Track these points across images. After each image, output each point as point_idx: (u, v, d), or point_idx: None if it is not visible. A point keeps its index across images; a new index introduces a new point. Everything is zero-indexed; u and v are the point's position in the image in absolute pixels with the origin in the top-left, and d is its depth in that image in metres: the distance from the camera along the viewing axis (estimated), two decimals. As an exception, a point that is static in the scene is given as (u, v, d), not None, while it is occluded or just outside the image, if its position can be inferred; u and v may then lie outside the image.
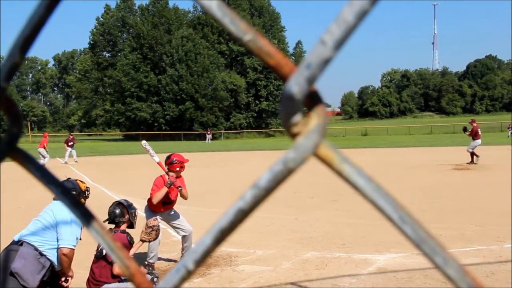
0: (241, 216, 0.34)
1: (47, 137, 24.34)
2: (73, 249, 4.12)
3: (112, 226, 5.10)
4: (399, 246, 6.88)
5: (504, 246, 7.01)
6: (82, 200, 4.59)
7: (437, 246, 0.31)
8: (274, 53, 0.33)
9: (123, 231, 4.99)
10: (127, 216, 5.04)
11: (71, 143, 25.09)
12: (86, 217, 0.39)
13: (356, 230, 8.19)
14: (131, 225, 5.14)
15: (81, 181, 4.70)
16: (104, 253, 4.71)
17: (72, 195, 0.40)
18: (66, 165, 23.72)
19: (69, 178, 4.70)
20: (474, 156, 18.91)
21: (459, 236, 7.73)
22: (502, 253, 6.69)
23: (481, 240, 7.39)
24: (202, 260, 0.35)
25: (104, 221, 5.14)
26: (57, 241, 4.10)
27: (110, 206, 5.11)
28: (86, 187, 4.68)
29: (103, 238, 0.40)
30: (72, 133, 27.98)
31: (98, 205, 9.50)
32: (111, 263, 4.69)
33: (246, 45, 0.33)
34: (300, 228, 8.67)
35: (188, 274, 0.36)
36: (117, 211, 5.02)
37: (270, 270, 6.27)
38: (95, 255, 4.83)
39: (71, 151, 24.93)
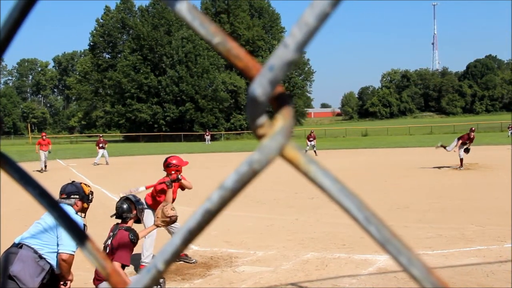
0: (208, 217, 0.34)
1: (43, 137, 24.01)
2: (73, 255, 4.08)
3: (119, 220, 5.01)
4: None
5: (504, 246, 7.01)
6: (85, 204, 4.49)
7: (401, 246, 0.31)
8: (242, 55, 0.34)
9: (127, 228, 4.86)
10: (134, 212, 4.96)
11: (101, 144, 25.22)
12: (63, 219, 0.39)
13: (356, 231, 8.18)
14: (138, 221, 5.09)
15: (85, 185, 4.60)
16: (107, 250, 4.71)
17: (50, 197, 0.40)
18: (96, 166, 23.79)
19: (73, 181, 4.59)
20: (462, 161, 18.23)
21: (459, 236, 7.73)
22: (502, 253, 6.69)
23: (481, 240, 7.39)
24: (172, 260, 0.35)
25: (112, 216, 5.08)
26: (57, 245, 4.08)
27: (118, 201, 5.04)
28: (90, 191, 4.58)
29: (80, 239, 0.40)
30: (101, 135, 27.85)
31: (98, 206, 9.52)
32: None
33: (215, 47, 0.34)
34: (301, 228, 8.67)
35: (159, 274, 0.36)
36: (125, 206, 4.94)
37: (270, 271, 6.27)
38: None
39: (103, 153, 25.05)
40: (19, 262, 3.91)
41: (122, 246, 4.68)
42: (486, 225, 8.41)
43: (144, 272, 0.36)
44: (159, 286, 5.08)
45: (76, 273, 4.47)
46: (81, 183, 4.61)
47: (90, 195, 4.55)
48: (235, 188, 0.33)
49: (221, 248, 7.36)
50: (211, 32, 0.34)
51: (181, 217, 7.14)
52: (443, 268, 5.99)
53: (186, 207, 9.82)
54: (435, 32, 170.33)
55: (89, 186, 4.62)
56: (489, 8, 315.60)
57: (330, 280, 5.87)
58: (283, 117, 0.33)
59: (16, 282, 3.83)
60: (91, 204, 4.66)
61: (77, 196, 4.39)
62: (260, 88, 0.32)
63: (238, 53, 0.34)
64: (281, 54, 0.32)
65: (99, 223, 7.62)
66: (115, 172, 20.68)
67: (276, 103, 0.33)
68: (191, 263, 6.61)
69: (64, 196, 4.38)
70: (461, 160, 17.98)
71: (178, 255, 0.35)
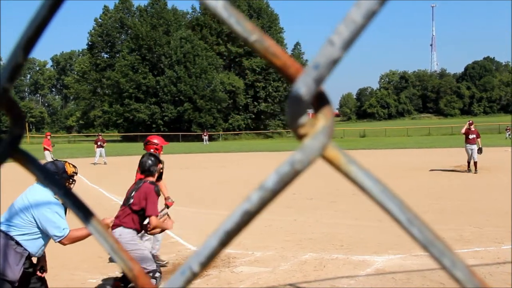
0: (247, 218, 0.33)
1: (48, 136, 24.02)
2: (67, 234, 3.89)
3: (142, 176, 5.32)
4: (398, 248, 6.89)
5: (502, 248, 7.01)
6: (68, 184, 4.27)
7: (445, 248, 0.31)
8: (280, 54, 0.33)
9: (152, 182, 5.14)
10: (160, 166, 5.33)
11: (100, 143, 25.14)
12: (88, 218, 0.39)
13: (355, 232, 8.19)
14: (160, 177, 5.49)
15: (70, 164, 4.37)
16: (130, 202, 5.00)
17: (75, 196, 0.40)
18: (95, 165, 23.77)
19: (55, 160, 4.43)
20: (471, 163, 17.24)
21: (457, 237, 7.73)
22: (500, 254, 6.70)
23: (479, 242, 7.40)
24: (208, 262, 0.35)
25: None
26: (45, 236, 3.88)
27: (143, 157, 5.36)
28: (74, 171, 4.35)
29: (105, 239, 0.39)
30: (100, 134, 27.69)
31: (96, 207, 9.50)
32: (135, 212, 4.96)
33: (252, 45, 0.33)
34: (299, 229, 8.66)
35: (193, 276, 0.35)
36: (150, 161, 5.26)
37: (268, 271, 6.26)
38: (123, 203, 5.13)
39: (100, 152, 24.95)
40: None
41: (150, 198, 4.97)
42: (484, 226, 8.42)
43: (178, 274, 0.35)
44: (154, 280, 5.11)
45: (75, 273, 4.47)
46: (65, 162, 4.39)
47: (73, 174, 4.34)
48: (275, 189, 0.32)
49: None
50: (248, 29, 0.33)
51: (178, 217, 7.15)
52: (441, 270, 5.99)
53: (183, 208, 9.82)
54: (434, 34, 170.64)
55: (74, 167, 4.39)
56: (487, 10, 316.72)
57: (328, 281, 5.87)
58: (325, 116, 0.33)
59: None
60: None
61: (56, 177, 4.18)
62: (304, 86, 0.31)
63: (275, 51, 0.33)
64: (327, 52, 0.31)
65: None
66: (113, 172, 20.65)
67: (316, 102, 0.33)
68: (163, 265, 6.53)
69: None
70: (469, 163, 17.13)
71: (214, 257, 0.35)
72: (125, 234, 4.93)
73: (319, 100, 0.32)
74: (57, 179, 0.42)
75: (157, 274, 5.11)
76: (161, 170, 5.57)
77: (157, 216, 5.02)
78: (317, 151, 0.32)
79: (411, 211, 0.32)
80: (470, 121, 17.83)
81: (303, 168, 0.32)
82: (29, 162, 0.41)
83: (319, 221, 9.34)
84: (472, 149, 16.85)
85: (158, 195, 5.10)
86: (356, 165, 0.33)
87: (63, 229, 3.87)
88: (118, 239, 4.60)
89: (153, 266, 5.06)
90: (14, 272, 3.69)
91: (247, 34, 0.33)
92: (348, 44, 0.31)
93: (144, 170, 5.24)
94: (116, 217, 5.00)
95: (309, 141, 0.32)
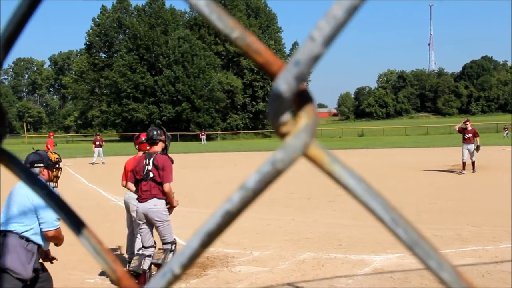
0: (229, 218, 0.33)
1: (51, 136, 24.00)
2: (58, 228, 3.94)
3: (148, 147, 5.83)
4: (396, 247, 6.89)
5: (499, 247, 7.03)
6: (53, 172, 4.34)
7: (430, 248, 0.30)
8: (262, 50, 0.33)
9: (162, 152, 5.66)
10: (163, 136, 5.74)
11: (98, 143, 25.09)
12: (71, 219, 0.38)
13: (353, 231, 8.19)
14: (165, 148, 5.82)
15: (52, 152, 4.48)
16: (151, 175, 5.49)
17: (58, 196, 0.39)
18: (93, 165, 23.75)
19: (37, 150, 4.44)
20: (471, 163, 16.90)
21: (455, 236, 7.74)
22: (497, 253, 6.71)
23: (477, 241, 7.41)
24: (189, 264, 0.34)
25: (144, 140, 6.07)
26: (39, 224, 3.87)
27: (149, 129, 5.88)
28: (57, 158, 4.44)
29: (88, 240, 0.39)
30: (99, 134, 27.65)
31: (95, 207, 9.50)
32: (160, 183, 5.46)
33: (234, 42, 0.33)
34: (297, 229, 8.67)
35: (175, 278, 0.34)
36: (155, 131, 5.74)
37: (266, 271, 6.26)
38: (142, 178, 5.54)
39: (99, 152, 24.92)
40: (8, 253, 3.71)
41: (167, 167, 5.51)
42: (482, 225, 8.43)
43: (159, 276, 0.34)
44: (172, 253, 5.59)
45: (73, 273, 4.46)
46: (47, 151, 4.46)
47: (57, 162, 4.40)
48: (257, 188, 0.32)
49: (217, 248, 7.34)
50: (229, 26, 0.33)
51: (177, 217, 7.13)
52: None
53: (182, 207, 9.76)
54: (432, 33, 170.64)
55: (57, 154, 4.50)
56: (485, 10, 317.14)
57: (326, 280, 5.87)
58: (307, 115, 0.32)
59: (10, 274, 3.66)
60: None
61: (42, 165, 4.21)
62: (285, 84, 0.31)
63: (258, 48, 0.32)
64: (308, 49, 0.31)
65: (95, 223, 7.59)
66: (111, 171, 20.58)
67: (299, 100, 0.32)
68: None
69: (28, 166, 4.15)
70: (463, 163, 16.73)
71: (196, 259, 0.34)
72: (159, 205, 5.45)
73: (302, 98, 0.32)
74: (40, 180, 0.41)
75: (173, 246, 5.63)
76: (167, 144, 5.93)
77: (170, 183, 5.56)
78: (299, 150, 0.31)
79: (396, 210, 0.31)
80: (466, 119, 17.34)
81: (284, 168, 0.31)
82: (11, 162, 0.40)
83: (317, 220, 9.35)
84: (469, 149, 16.55)
85: (172, 162, 5.63)
86: (339, 164, 0.32)
87: (58, 218, 3.87)
88: (153, 209, 5.10)
89: (172, 237, 5.60)
90: (27, 270, 3.74)
91: (229, 30, 0.32)
92: (329, 40, 0.31)
93: (150, 139, 5.72)
94: (144, 192, 5.47)
95: (291, 139, 0.32)
